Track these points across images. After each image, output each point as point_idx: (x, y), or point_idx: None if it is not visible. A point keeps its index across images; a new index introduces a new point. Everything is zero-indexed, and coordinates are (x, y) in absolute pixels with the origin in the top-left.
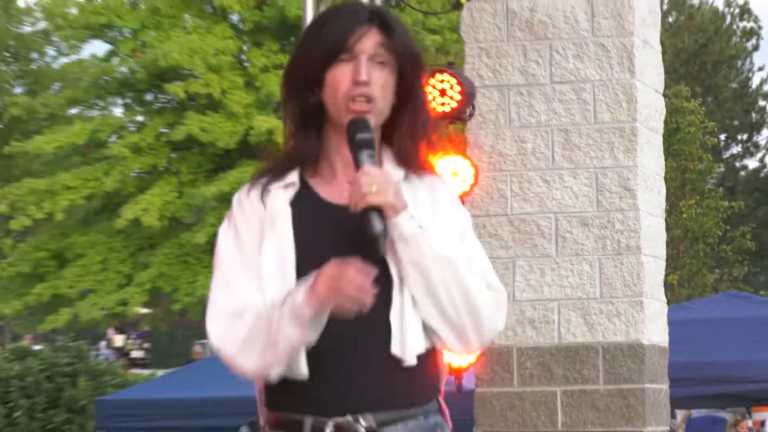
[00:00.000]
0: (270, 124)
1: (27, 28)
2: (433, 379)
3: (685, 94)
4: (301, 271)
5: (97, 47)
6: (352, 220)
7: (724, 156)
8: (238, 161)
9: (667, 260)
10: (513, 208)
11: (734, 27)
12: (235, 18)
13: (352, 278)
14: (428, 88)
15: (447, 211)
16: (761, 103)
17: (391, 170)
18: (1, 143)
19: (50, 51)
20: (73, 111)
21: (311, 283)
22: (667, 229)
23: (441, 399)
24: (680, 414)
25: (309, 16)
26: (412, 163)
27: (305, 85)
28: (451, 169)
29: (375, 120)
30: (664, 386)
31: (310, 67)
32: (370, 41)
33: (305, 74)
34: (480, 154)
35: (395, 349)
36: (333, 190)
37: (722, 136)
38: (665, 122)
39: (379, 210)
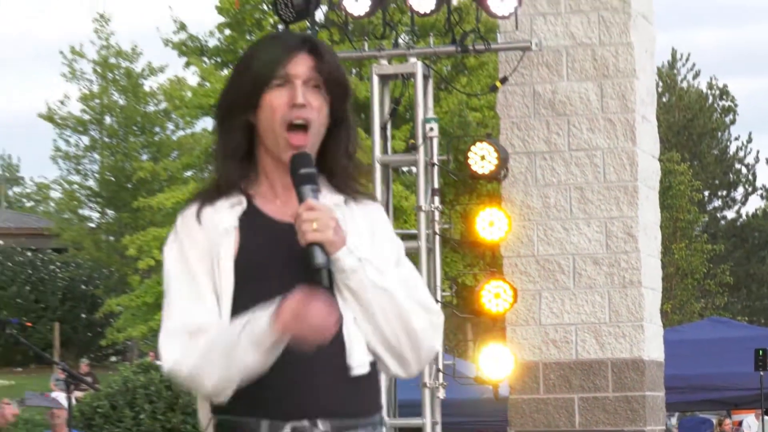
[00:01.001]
0: None
1: (151, 108)
2: (378, 392)
3: (676, 159)
4: (253, 290)
5: (208, 122)
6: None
7: (708, 208)
8: None
9: (662, 292)
10: (539, 251)
11: (715, 105)
12: None
13: (317, 311)
14: (470, 154)
15: (384, 238)
16: (737, 166)
17: (330, 196)
18: (131, 199)
19: (170, 126)
20: (188, 174)
21: (276, 312)
22: (662, 267)
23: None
24: (674, 417)
25: (376, 98)
26: (350, 189)
27: (240, 109)
28: (489, 220)
29: (312, 142)
30: (661, 393)
31: (244, 91)
32: (303, 65)
33: (240, 98)
34: (512, 207)
35: (350, 359)
36: (277, 209)
37: (706, 193)
38: (660, 181)
39: (320, 245)
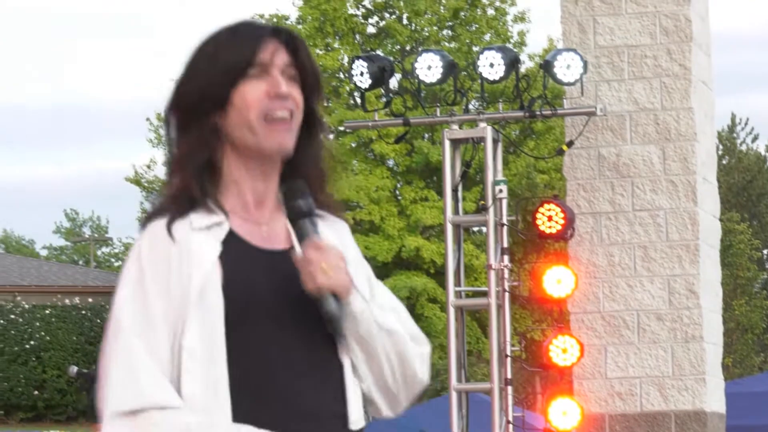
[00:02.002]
0: (418, 243)
1: None
2: None
3: (736, 218)
4: (247, 335)
5: None
6: (289, 270)
7: (767, 266)
8: (392, 271)
9: (723, 346)
10: (604, 307)
11: None
12: (390, 162)
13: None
14: (538, 215)
15: (357, 261)
16: None
17: None
18: None
19: None
20: None
21: None
22: (723, 322)
23: None
24: None
25: (448, 162)
26: (320, 202)
27: (204, 109)
28: (556, 277)
29: (293, 143)
30: None
31: (210, 87)
32: (280, 55)
33: (204, 96)
34: (578, 266)
35: (351, 413)
36: (254, 232)
37: (765, 251)
38: (721, 240)
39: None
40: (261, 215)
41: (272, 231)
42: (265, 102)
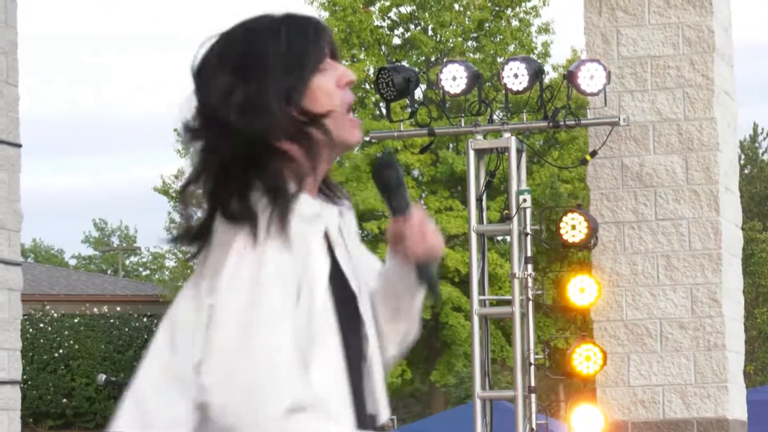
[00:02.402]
0: (442, 252)
1: None
2: None
3: (758, 227)
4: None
5: None
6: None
7: None
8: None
9: (745, 354)
10: (627, 315)
11: None
12: (416, 173)
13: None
14: (562, 224)
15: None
16: None
17: (326, 205)
18: None
19: None
20: None
21: None
22: (745, 330)
23: None
24: None
25: (472, 171)
26: (334, 192)
27: (286, 99)
28: (579, 286)
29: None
30: None
31: (293, 78)
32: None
33: (287, 87)
34: (602, 274)
35: (382, 410)
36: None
37: None
38: (743, 249)
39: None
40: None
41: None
42: (339, 92)
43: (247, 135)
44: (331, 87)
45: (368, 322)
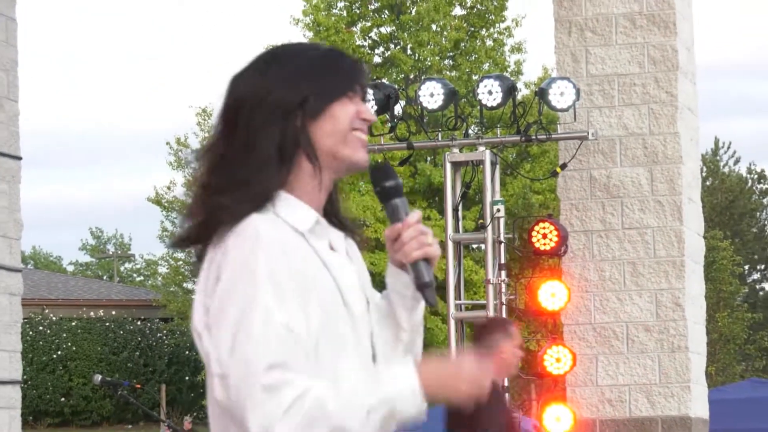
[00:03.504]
0: None
1: None
2: None
3: (719, 236)
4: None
5: None
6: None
7: (748, 281)
8: None
9: (707, 356)
10: (596, 319)
11: (754, 188)
12: None
13: (469, 375)
14: (533, 233)
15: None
16: None
17: (331, 229)
18: None
19: None
20: None
21: (419, 386)
22: (707, 333)
23: None
24: None
25: (449, 183)
26: (343, 219)
27: (297, 113)
28: (550, 291)
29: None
30: None
31: (313, 96)
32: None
33: (304, 102)
34: (571, 280)
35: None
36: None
37: (746, 267)
38: (705, 257)
39: (427, 261)
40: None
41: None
42: (356, 121)
43: (239, 143)
44: (352, 113)
45: (377, 333)
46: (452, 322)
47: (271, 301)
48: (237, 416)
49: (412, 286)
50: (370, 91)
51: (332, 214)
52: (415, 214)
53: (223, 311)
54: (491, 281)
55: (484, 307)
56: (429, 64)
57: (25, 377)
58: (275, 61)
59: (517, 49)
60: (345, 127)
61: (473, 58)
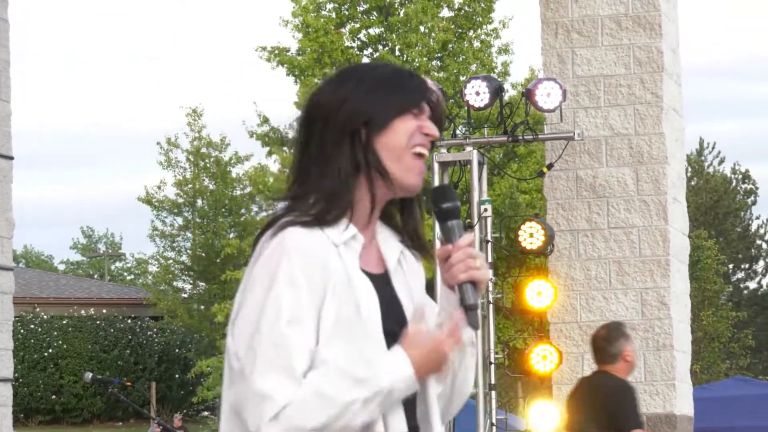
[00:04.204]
0: None
1: (238, 192)
2: None
3: (703, 236)
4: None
5: None
6: (388, 295)
7: (732, 280)
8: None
9: (691, 354)
10: (582, 317)
11: (738, 188)
12: None
13: (447, 349)
14: (520, 232)
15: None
16: (758, 242)
17: (390, 239)
18: (220, 273)
19: (254, 207)
20: None
21: (413, 373)
22: (692, 332)
23: None
24: None
25: (437, 182)
26: (411, 234)
27: (362, 127)
28: (537, 290)
29: (421, 182)
30: None
31: (379, 112)
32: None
33: (371, 116)
34: (558, 279)
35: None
36: (362, 254)
37: (730, 266)
38: (689, 256)
39: (474, 284)
40: (366, 238)
41: (370, 255)
42: (416, 135)
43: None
44: (413, 128)
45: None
46: None
47: (286, 306)
48: (240, 413)
49: (459, 307)
50: None
51: (405, 232)
52: (467, 237)
53: (243, 310)
54: None
55: None
56: (417, 65)
57: (16, 375)
58: (347, 79)
59: (504, 50)
60: (402, 143)
61: (461, 59)
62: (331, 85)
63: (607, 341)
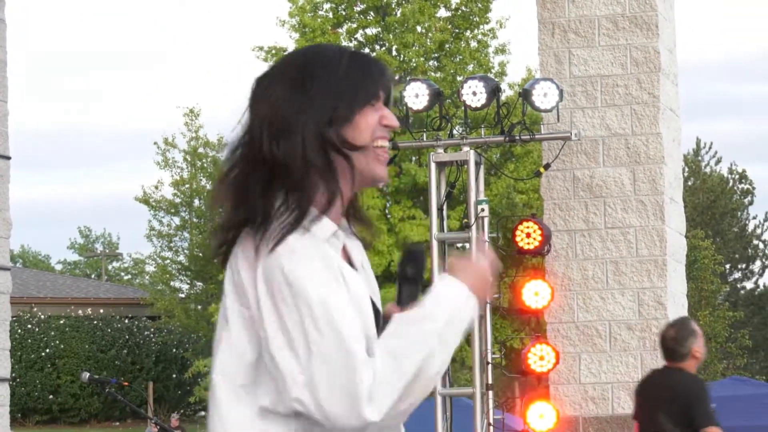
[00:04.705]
0: None
1: None
2: None
3: (700, 236)
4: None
5: None
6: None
7: (729, 280)
8: (382, 284)
9: None
10: (579, 317)
11: (735, 188)
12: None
13: (490, 275)
14: (517, 232)
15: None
16: (755, 242)
17: (353, 239)
18: (217, 273)
19: None
20: None
21: (469, 291)
22: None
23: None
24: None
25: (434, 183)
26: (360, 217)
27: (329, 121)
28: (534, 290)
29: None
30: None
31: (343, 103)
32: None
33: (335, 108)
34: (555, 279)
35: None
36: (342, 252)
37: (727, 266)
38: (686, 256)
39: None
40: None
41: (344, 252)
42: (377, 129)
43: (277, 158)
44: (374, 122)
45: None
46: None
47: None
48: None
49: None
50: None
51: (354, 217)
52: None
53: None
54: None
55: None
56: (414, 65)
57: (13, 375)
58: (307, 78)
59: (501, 50)
60: (366, 139)
61: (458, 59)
62: (284, 90)
63: (676, 341)
